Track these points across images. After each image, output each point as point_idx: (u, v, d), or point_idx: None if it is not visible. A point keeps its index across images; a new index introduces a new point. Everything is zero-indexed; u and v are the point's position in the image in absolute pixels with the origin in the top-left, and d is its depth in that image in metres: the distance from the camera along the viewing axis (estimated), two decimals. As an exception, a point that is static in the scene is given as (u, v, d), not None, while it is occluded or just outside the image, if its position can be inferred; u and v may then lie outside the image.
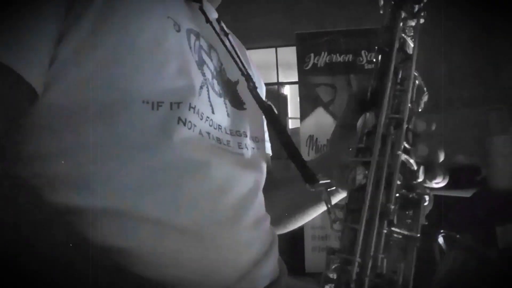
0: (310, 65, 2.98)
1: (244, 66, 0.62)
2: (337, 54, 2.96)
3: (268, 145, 0.77)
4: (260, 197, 0.64)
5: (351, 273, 0.43)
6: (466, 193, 2.14)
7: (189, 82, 0.54)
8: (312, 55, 2.98)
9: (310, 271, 2.58)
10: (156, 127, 0.50)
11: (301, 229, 2.49)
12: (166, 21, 0.55)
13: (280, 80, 4.65)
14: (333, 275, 0.45)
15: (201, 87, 0.56)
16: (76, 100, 0.48)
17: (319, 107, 2.96)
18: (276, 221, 0.69)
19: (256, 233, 0.60)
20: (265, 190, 0.67)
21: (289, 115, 4.80)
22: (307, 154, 2.78)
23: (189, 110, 0.53)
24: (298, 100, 3.11)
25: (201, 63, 0.58)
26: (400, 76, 0.52)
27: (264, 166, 0.67)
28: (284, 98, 5.24)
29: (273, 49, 4.19)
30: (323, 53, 2.97)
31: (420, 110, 0.53)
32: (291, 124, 4.54)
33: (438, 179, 0.51)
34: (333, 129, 0.66)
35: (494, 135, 2.55)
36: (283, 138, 0.60)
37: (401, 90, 0.52)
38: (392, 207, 0.46)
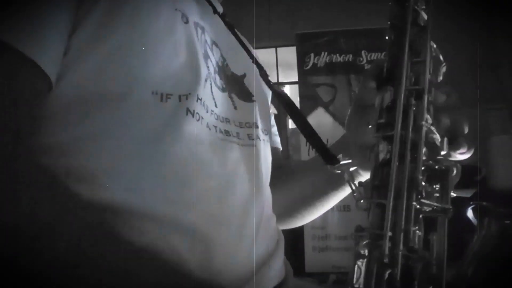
0: (310, 65, 2.98)
1: (252, 55, 0.62)
2: (337, 54, 2.96)
3: (277, 139, 0.76)
4: (267, 195, 0.64)
5: (383, 248, 0.42)
6: (466, 193, 2.13)
7: (197, 73, 0.54)
8: (312, 55, 2.98)
9: (310, 271, 2.57)
10: (165, 118, 0.51)
11: (301, 229, 2.49)
12: (174, 13, 0.56)
13: (280, 80, 4.64)
14: (364, 251, 0.44)
15: (206, 80, 0.56)
16: (86, 92, 0.49)
17: (319, 107, 2.95)
18: (293, 211, 0.68)
19: (262, 232, 0.59)
20: (280, 182, 0.66)
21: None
22: (307, 154, 2.77)
23: (197, 101, 0.53)
24: (298, 100, 3.10)
25: (205, 57, 0.58)
26: (415, 49, 0.51)
27: (270, 161, 0.67)
28: (284, 98, 5.22)
29: (273, 49, 4.19)
30: (323, 53, 2.97)
31: (439, 81, 0.52)
32: (291, 124, 4.52)
33: (463, 150, 0.50)
34: (349, 111, 0.65)
35: (494, 135, 2.55)
36: (300, 122, 0.59)
37: (418, 62, 0.50)
38: (420, 177, 0.45)
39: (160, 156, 0.49)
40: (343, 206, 2.43)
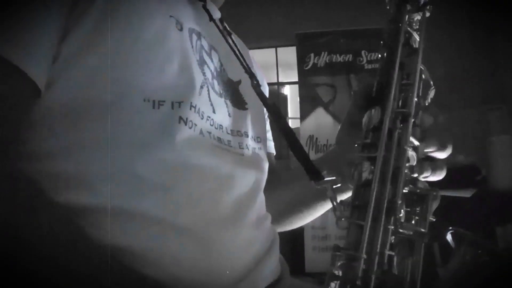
0: (310, 65, 2.98)
1: (246, 64, 0.62)
2: (337, 54, 2.96)
3: (271, 144, 0.77)
4: (261, 196, 0.64)
5: (357, 270, 0.42)
6: (466, 193, 2.14)
7: (190, 81, 0.54)
8: (312, 55, 2.98)
9: (310, 271, 2.58)
10: (157, 126, 0.50)
11: (301, 229, 2.49)
12: (168, 20, 0.55)
13: (280, 80, 4.65)
14: (339, 272, 0.44)
15: (201, 87, 0.56)
16: (77, 98, 0.48)
17: (319, 107, 2.96)
18: (282, 217, 0.69)
19: (257, 232, 0.60)
20: (270, 186, 0.67)
21: (289, 115, 4.80)
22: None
23: (190, 109, 0.53)
24: (298, 100, 3.11)
25: (201, 63, 0.58)
26: (405, 70, 0.52)
27: (266, 166, 0.67)
28: (284, 98, 5.23)
29: (273, 49, 4.19)
30: (323, 53, 2.97)
31: (426, 104, 0.52)
32: (291, 124, 4.53)
33: (426, 174, 0.50)
34: (339, 127, 0.66)
35: (494, 135, 2.55)
36: (287, 136, 0.59)
37: (407, 84, 0.51)
38: (399, 202, 0.45)
39: (152, 162, 0.50)
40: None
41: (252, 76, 0.61)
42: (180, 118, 0.52)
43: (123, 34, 0.50)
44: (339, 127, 0.66)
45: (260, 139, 0.66)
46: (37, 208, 0.47)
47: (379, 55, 0.54)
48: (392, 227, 0.44)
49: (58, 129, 0.48)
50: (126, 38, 0.50)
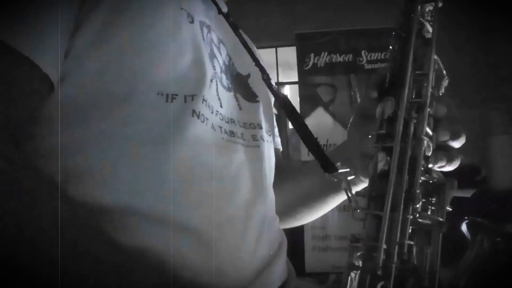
0: (310, 65, 2.98)
1: (256, 57, 0.62)
2: (337, 54, 2.96)
3: (278, 140, 0.76)
4: (270, 197, 0.63)
5: (377, 260, 0.42)
6: (466, 193, 2.13)
7: (202, 74, 0.54)
8: (312, 55, 2.98)
9: (310, 271, 2.57)
10: (170, 120, 0.50)
11: (301, 229, 2.48)
12: (179, 12, 0.55)
13: (280, 80, 4.64)
14: (359, 262, 0.44)
15: (211, 80, 0.55)
16: (90, 93, 0.48)
17: (319, 107, 2.95)
18: (292, 212, 0.68)
19: (265, 234, 0.59)
20: (279, 182, 0.66)
21: (289, 115, 4.79)
22: (308, 154, 2.77)
23: (202, 102, 0.52)
24: (298, 100, 3.10)
25: (212, 56, 0.58)
26: (419, 61, 0.51)
27: (273, 163, 0.67)
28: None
29: (273, 49, 4.19)
30: (323, 53, 2.97)
31: (440, 94, 0.52)
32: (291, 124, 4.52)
33: (441, 163, 0.50)
34: (351, 120, 0.65)
35: (494, 135, 2.55)
36: (301, 128, 0.59)
37: (421, 75, 0.50)
38: (418, 191, 0.45)
39: (163, 158, 0.49)
40: (343, 206, 2.42)
41: (262, 69, 0.61)
42: (193, 111, 0.51)
43: (135, 27, 0.50)
44: (351, 120, 0.65)
45: (271, 132, 0.66)
46: (49, 203, 0.47)
47: (390, 47, 0.53)
48: (411, 217, 0.44)
49: (69, 124, 0.48)
50: (139, 31, 0.50)
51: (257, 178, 0.59)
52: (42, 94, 0.47)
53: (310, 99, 2.99)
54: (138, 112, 0.49)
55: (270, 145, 0.64)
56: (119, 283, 0.47)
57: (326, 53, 2.97)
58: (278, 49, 4.22)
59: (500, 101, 3.12)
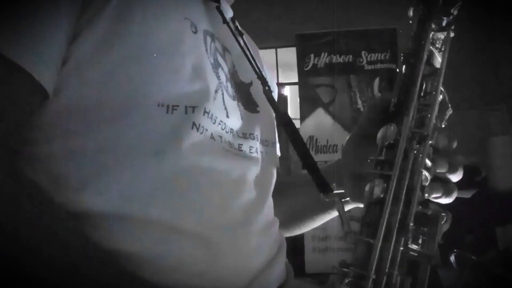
0: (310, 66, 2.98)
1: (258, 68, 0.61)
2: (337, 55, 2.96)
3: (277, 146, 0.76)
4: (270, 201, 0.63)
5: None
6: (466, 194, 2.13)
7: (205, 85, 0.53)
8: (312, 55, 2.98)
9: (310, 272, 2.57)
10: (169, 131, 0.49)
11: (301, 230, 2.48)
12: (183, 22, 0.54)
13: (280, 81, 4.64)
14: None
15: (216, 91, 0.55)
16: (88, 101, 0.48)
17: (319, 107, 2.96)
18: (281, 225, 0.69)
19: (265, 238, 0.59)
20: (276, 192, 0.66)
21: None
22: (307, 155, 2.77)
23: (204, 114, 0.52)
24: (298, 100, 3.11)
25: (216, 66, 0.57)
26: (425, 89, 0.51)
27: (274, 171, 0.66)
28: (284, 98, 5.23)
29: (273, 50, 4.19)
30: (323, 53, 2.97)
31: (443, 126, 0.52)
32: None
33: (437, 194, 0.49)
34: (347, 138, 0.65)
35: (494, 135, 2.55)
36: (298, 146, 0.59)
37: (425, 105, 0.50)
38: (411, 224, 0.45)
39: (161, 168, 0.49)
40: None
41: (263, 81, 0.60)
42: (194, 123, 0.51)
43: (137, 37, 0.49)
44: (347, 138, 0.65)
45: (268, 142, 0.66)
46: (43, 211, 0.47)
47: (397, 69, 0.53)
48: (402, 248, 0.44)
49: (67, 133, 0.48)
50: (140, 41, 0.49)
51: (255, 187, 0.59)
52: (35, 102, 0.46)
53: (310, 100, 2.99)
54: (138, 122, 0.48)
55: (266, 155, 0.64)
56: (118, 285, 0.46)
57: (326, 54, 2.97)
58: (278, 49, 4.21)
59: (500, 101, 3.12)
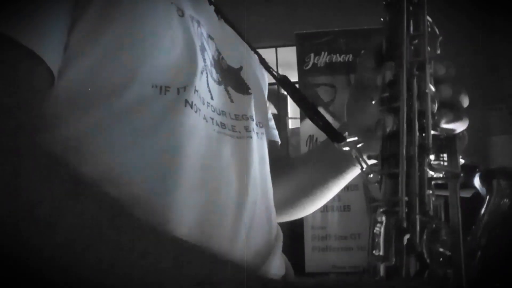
0: (310, 65, 2.98)
1: (250, 44, 0.62)
2: (337, 54, 2.95)
3: (276, 133, 0.77)
4: (264, 186, 0.64)
5: (400, 213, 0.42)
6: (466, 193, 2.13)
7: (194, 66, 0.55)
8: (312, 55, 2.97)
9: (310, 271, 2.57)
10: (164, 111, 0.51)
11: (301, 229, 2.48)
12: (170, 6, 0.56)
13: (280, 80, 4.64)
14: (382, 219, 0.44)
15: (201, 72, 0.56)
16: (85, 87, 0.49)
17: (319, 107, 2.96)
18: (296, 201, 0.69)
19: (257, 223, 0.59)
20: (281, 171, 0.67)
21: (289, 115, 4.79)
22: (307, 154, 2.77)
23: (194, 93, 0.53)
24: (298, 100, 3.10)
25: (202, 49, 0.59)
26: (413, 24, 0.53)
27: (267, 154, 0.67)
28: (284, 98, 5.23)
29: (273, 49, 4.18)
30: (323, 53, 2.97)
31: (438, 53, 0.53)
32: (291, 124, 4.52)
33: (446, 118, 0.50)
34: (347, 97, 0.66)
35: (494, 135, 2.55)
36: (303, 104, 0.60)
37: (417, 36, 0.52)
38: (430, 142, 0.45)
39: (158, 148, 0.50)
40: (343, 206, 2.42)
41: (258, 53, 0.61)
42: (186, 101, 0.52)
43: (129, 21, 0.51)
44: (348, 96, 0.65)
45: (262, 124, 0.67)
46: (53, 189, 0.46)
47: (381, 19, 0.54)
48: (427, 169, 0.44)
49: (66, 119, 0.48)
50: (132, 25, 0.51)
51: (248, 169, 0.59)
52: (46, 87, 0.47)
53: (310, 99, 2.99)
54: (134, 104, 0.50)
55: (262, 136, 0.65)
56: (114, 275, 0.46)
57: (326, 53, 2.97)
58: (278, 49, 4.21)
59: (500, 101, 3.12)
